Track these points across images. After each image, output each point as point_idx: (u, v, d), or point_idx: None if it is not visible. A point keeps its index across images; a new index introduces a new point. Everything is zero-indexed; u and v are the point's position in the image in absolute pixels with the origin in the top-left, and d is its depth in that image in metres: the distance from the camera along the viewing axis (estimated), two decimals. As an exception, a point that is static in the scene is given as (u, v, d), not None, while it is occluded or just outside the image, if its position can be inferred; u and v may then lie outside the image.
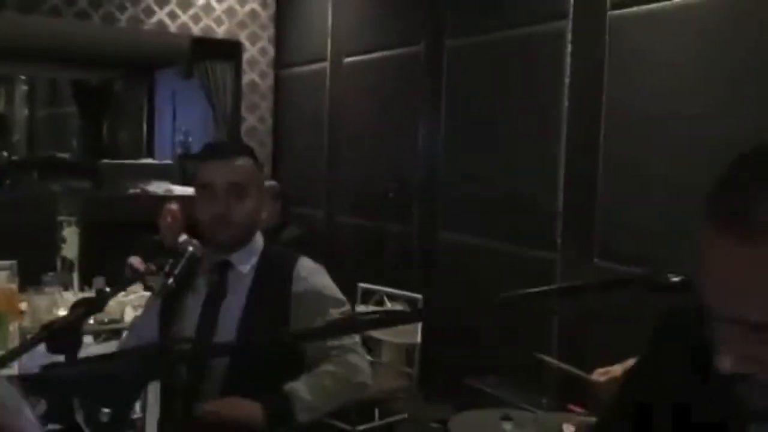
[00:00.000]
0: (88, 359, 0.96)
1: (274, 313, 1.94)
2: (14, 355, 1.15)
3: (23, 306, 3.33)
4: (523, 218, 4.07)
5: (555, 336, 3.78)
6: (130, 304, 3.41)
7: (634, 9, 3.46)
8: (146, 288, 3.51)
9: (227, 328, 1.91)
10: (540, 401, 3.57)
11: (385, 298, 4.18)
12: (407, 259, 4.88)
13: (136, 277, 1.66)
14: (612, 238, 3.56)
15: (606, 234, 3.59)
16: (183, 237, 4.12)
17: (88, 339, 3.13)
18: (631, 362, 2.58)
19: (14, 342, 2.93)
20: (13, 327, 3.04)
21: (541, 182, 3.95)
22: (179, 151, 8.40)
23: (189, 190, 4.13)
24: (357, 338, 2.01)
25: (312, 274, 2.03)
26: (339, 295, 2.06)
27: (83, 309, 1.33)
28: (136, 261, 4.17)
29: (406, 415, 3.81)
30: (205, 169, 1.97)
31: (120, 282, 1.77)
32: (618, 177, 3.54)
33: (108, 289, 1.51)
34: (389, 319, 0.95)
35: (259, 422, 1.75)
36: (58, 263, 3.77)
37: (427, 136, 4.77)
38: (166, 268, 1.65)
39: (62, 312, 3.10)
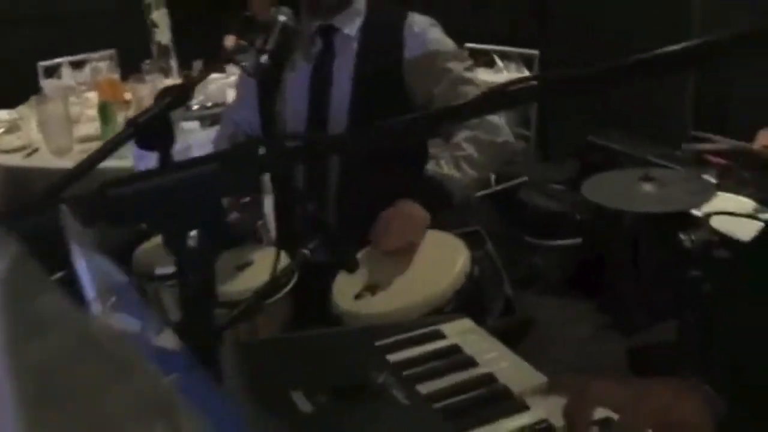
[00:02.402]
0: (177, 165, 0.78)
1: (387, 78, 1.75)
2: (100, 156, 1.00)
3: (127, 96, 3.29)
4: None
5: (690, 97, 3.39)
6: (232, 85, 3.29)
7: None
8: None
9: (339, 103, 1.75)
10: (674, 154, 3.30)
11: (496, 58, 3.85)
12: (515, 11, 4.42)
13: (226, 57, 1.46)
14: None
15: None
16: (275, 9, 3.90)
17: (193, 124, 3.07)
18: None
19: (125, 133, 2.90)
20: (120, 117, 3.01)
21: None
22: None
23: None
24: None
25: (425, 30, 1.79)
26: (457, 47, 1.84)
27: (169, 98, 1.15)
28: (230, 40, 4.01)
29: (526, 178, 3.64)
30: None
31: (216, 61, 1.58)
32: None
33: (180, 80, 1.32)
34: (537, 84, 0.73)
35: (424, 219, 1.62)
36: (153, 50, 3.64)
37: None
38: (258, 44, 1.43)
39: (167, 100, 3.03)
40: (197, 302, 0.63)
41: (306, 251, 1.20)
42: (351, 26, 1.80)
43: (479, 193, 3.38)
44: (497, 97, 0.76)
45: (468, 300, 1.50)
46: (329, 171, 1.77)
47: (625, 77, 0.74)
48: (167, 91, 1.20)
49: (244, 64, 1.50)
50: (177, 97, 1.17)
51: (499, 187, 3.58)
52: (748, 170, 2.40)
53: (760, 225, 2.11)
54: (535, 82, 0.80)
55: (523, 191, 3.62)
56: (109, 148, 1.04)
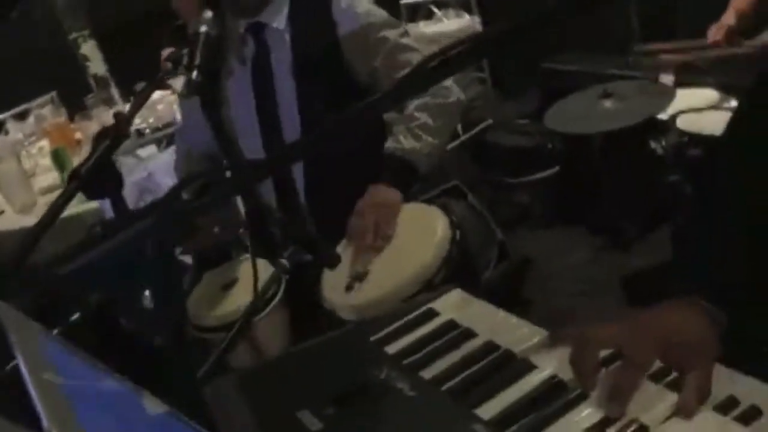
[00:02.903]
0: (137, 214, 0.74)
1: (327, 61, 1.72)
2: (52, 217, 0.97)
3: (78, 135, 3.23)
4: None
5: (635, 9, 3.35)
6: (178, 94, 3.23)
7: None
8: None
9: (286, 99, 1.72)
10: (627, 60, 3.28)
11: (433, 8, 3.80)
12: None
13: (156, 83, 1.42)
14: None
15: None
16: (207, 13, 3.82)
17: (150, 149, 3.02)
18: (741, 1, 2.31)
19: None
20: (76, 159, 2.96)
21: None
22: None
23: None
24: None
25: (353, 4, 1.75)
26: (388, 16, 1.80)
27: (106, 141, 1.12)
28: (167, 53, 3.92)
29: (491, 121, 3.62)
30: None
31: (147, 85, 1.53)
32: None
33: (127, 107, 1.29)
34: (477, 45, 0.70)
35: (396, 198, 1.61)
36: (92, 83, 3.56)
37: None
38: (185, 62, 1.39)
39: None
40: (168, 360, 0.61)
41: (284, 261, 1.18)
42: (279, 19, 1.75)
43: (448, 146, 3.35)
44: (441, 67, 0.74)
45: (457, 263, 1.49)
46: (294, 171, 1.75)
47: (565, 14, 0.72)
48: (103, 134, 1.16)
49: (176, 87, 1.46)
50: (114, 138, 1.14)
51: (466, 136, 3.56)
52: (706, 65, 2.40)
53: (727, 114, 2.11)
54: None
55: (490, 134, 3.60)
56: (59, 206, 1.01)
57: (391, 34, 1.74)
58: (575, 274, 2.93)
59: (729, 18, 2.28)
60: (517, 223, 3.40)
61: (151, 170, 2.71)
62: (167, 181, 2.86)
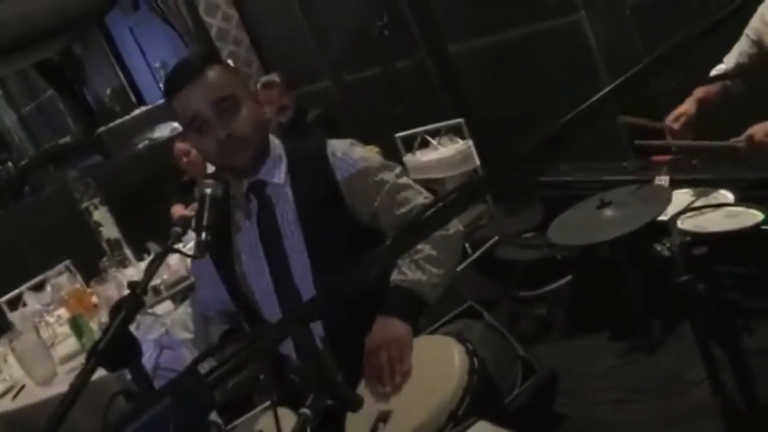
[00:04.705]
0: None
1: (331, 208, 1.77)
2: (72, 399, 0.98)
3: (95, 299, 3.28)
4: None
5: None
6: (188, 256, 3.30)
7: None
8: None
9: (296, 250, 1.75)
10: (621, 166, 3.37)
11: (428, 138, 3.94)
12: (428, 88, 4.57)
13: (167, 249, 1.47)
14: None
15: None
16: (210, 167, 3.98)
17: (166, 305, 3.06)
18: (703, 91, 2.40)
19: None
20: (94, 324, 2.99)
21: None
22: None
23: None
24: (424, 193, 1.82)
25: (348, 152, 1.82)
26: (381, 158, 1.88)
27: (122, 313, 1.15)
28: (177, 210, 4.05)
29: (497, 237, 3.67)
30: (180, 102, 1.71)
31: (158, 254, 1.57)
32: None
33: (141, 265, 1.33)
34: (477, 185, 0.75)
35: (406, 332, 1.61)
36: (105, 247, 3.66)
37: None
38: (193, 225, 1.45)
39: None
40: None
41: (306, 410, 1.18)
42: (278, 174, 1.80)
43: (460, 267, 3.38)
44: (449, 207, 0.78)
45: (479, 391, 1.48)
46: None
47: (558, 144, 0.76)
48: (119, 306, 1.20)
49: (187, 251, 1.51)
50: (130, 309, 1.18)
51: (475, 255, 3.60)
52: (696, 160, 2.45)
53: (726, 211, 2.14)
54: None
55: (499, 250, 3.64)
56: (78, 387, 1.02)
57: (388, 175, 1.80)
58: (606, 382, 2.87)
59: (687, 106, 2.31)
60: (539, 337, 3.38)
61: (167, 327, 2.74)
62: (183, 335, 2.88)
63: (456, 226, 1.79)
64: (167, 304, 3.09)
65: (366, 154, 1.84)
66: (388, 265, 1.52)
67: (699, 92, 2.33)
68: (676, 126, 2.26)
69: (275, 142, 1.85)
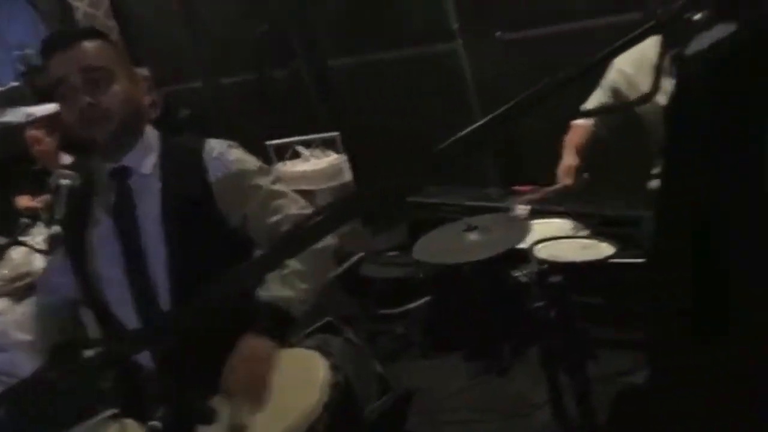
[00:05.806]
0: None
1: (199, 211, 1.69)
2: None
3: None
4: (412, 15, 3.76)
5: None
6: (36, 250, 3.07)
7: None
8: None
9: (154, 249, 1.66)
10: (487, 194, 3.50)
11: (301, 148, 3.91)
12: (304, 99, 4.55)
13: (11, 241, 1.35)
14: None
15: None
16: (65, 157, 3.74)
17: (3, 303, 2.82)
18: (575, 139, 2.53)
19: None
20: None
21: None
22: (21, 68, 7.49)
23: (51, 107, 3.65)
24: (300, 202, 1.78)
25: (224, 152, 1.76)
26: (259, 163, 1.82)
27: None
28: (24, 201, 3.77)
29: (363, 254, 3.69)
30: (52, 65, 1.61)
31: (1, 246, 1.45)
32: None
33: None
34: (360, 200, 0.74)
35: (271, 350, 1.56)
36: (-62, 236, 3.33)
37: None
38: (44, 218, 1.34)
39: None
40: None
41: (155, 423, 1.12)
42: (146, 164, 1.72)
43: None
44: (319, 227, 0.76)
45: (340, 407, 1.46)
46: None
47: (429, 175, 0.77)
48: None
49: (33, 243, 1.40)
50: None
51: (339, 270, 3.59)
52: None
53: (579, 242, 2.27)
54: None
55: (363, 267, 3.66)
56: None
57: (263, 180, 1.75)
58: (456, 401, 2.95)
59: (571, 159, 2.43)
60: (397, 355, 3.41)
61: (2, 327, 2.51)
62: (21, 337, 2.65)
63: (328, 240, 1.75)
64: (3, 302, 2.85)
65: (242, 156, 1.79)
66: (254, 281, 1.47)
67: (572, 141, 2.47)
68: (569, 181, 2.38)
69: (152, 132, 1.78)
